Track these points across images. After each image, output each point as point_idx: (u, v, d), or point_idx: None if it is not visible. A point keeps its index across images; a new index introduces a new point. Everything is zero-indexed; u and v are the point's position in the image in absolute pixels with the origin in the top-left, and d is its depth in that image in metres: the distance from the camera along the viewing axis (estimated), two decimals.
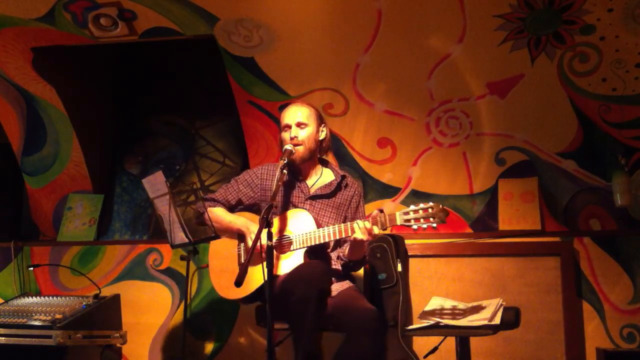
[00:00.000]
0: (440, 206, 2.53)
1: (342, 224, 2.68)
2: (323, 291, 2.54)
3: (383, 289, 3.31)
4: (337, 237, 2.69)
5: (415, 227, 2.53)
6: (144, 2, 3.47)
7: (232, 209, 3.01)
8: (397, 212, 2.57)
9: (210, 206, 2.98)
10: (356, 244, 2.66)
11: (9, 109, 4.24)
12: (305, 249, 2.72)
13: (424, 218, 2.52)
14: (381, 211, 2.59)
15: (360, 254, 2.78)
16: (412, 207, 2.55)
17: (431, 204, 2.53)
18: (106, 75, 4.61)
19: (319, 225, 2.75)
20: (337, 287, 2.78)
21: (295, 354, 2.47)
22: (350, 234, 2.64)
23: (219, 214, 2.96)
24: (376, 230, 2.58)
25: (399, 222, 2.55)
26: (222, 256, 2.96)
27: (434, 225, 2.51)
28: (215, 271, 2.97)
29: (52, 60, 4.04)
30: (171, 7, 3.49)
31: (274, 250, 2.73)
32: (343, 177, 2.97)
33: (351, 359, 2.49)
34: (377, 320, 2.54)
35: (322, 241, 2.70)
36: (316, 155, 2.98)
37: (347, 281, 2.88)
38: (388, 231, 3.60)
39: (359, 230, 2.58)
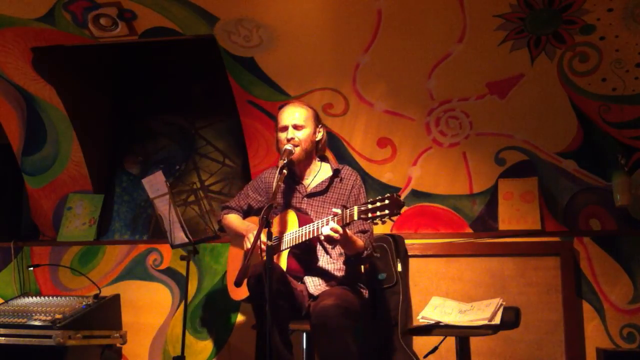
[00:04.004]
0: (395, 196, 2.42)
1: (311, 224, 2.67)
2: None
3: (383, 289, 3.31)
4: (308, 238, 2.67)
5: (375, 221, 2.45)
6: (144, 2, 3.47)
7: (246, 214, 3.13)
8: (356, 206, 2.51)
9: (225, 213, 3.15)
10: (335, 242, 2.61)
11: (9, 109, 4.24)
12: (288, 249, 2.74)
13: (379, 210, 2.43)
14: (345, 207, 2.55)
15: (351, 250, 2.74)
16: (370, 201, 2.48)
17: (387, 195, 2.44)
18: (106, 75, 4.61)
19: (301, 225, 2.74)
20: (322, 288, 2.77)
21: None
22: (318, 234, 2.62)
23: (230, 219, 3.11)
24: (337, 227, 2.53)
25: (356, 217, 2.49)
26: (238, 260, 3.03)
27: (392, 218, 2.43)
28: (231, 275, 3.06)
29: (52, 60, 4.04)
30: (171, 7, 3.49)
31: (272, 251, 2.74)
32: (336, 171, 2.96)
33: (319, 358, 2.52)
34: (335, 316, 2.48)
35: (298, 242, 2.71)
36: (313, 155, 2.98)
37: (342, 287, 2.83)
38: (387, 230, 3.62)
39: (326, 229, 2.55)
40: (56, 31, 3.71)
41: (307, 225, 2.70)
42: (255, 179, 3.19)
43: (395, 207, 2.40)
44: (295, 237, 2.73)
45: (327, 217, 2.62)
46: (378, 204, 2.44)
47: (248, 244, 2.85)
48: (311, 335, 2.77)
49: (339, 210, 2.55)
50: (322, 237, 2.60)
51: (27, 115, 4.25)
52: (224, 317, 3.77)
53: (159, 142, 4.54)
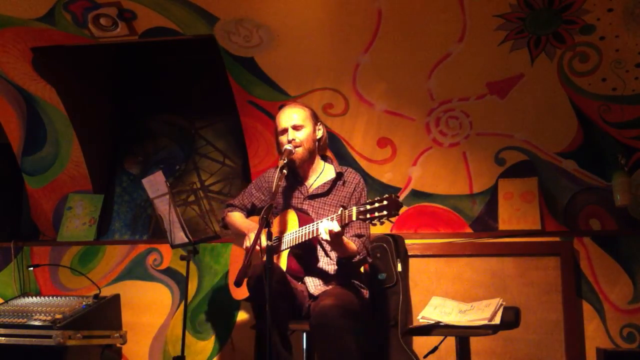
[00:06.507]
0: (393, 197, 2.42)
1: (310, 225, 2.68)
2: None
3: (383, 289, 3.31)
4: (307, 238, 2.68)
5: (374, 222, 2.45)
6: (144, 2, 3.47)
7: (250, 212, 3.14)
8: (354, 207, 2.52)
9: (229, 211, 3.15)
10: (329, 242, 2.62)
11: (9, 109, 4.24)
12: (288, 250, 2.74)
13: (377, 211, 2.43)
14: (345, 208, 2.56)
15: (340, 252, 2.72)
16: (369, 201, 2.48)
17: (386, 196, 2.43)
18: (106, 75, 4.61)
19: (301, 225, 2.74)
20: (322, 288, 2.78)
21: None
22: (316, 235, 2.63)
23: (234, 217, 3.11)
24: (336, 228, 2.53)
25: (354, 218, 2.49)
26: (240, 259, 3.03)
27: (391, 219, 2.43)
28: (233, 274, 3.06)
29: (52, 60, 4.04)
30: (171, 7, 3.49)
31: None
32: (339, 174, 2.96)
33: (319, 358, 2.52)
34: (334, 316, 2.48)
35: (298, 242, 2.71)
36: (315, 155, 2.98)
37: (342, 287, 2.83)
38: (387, 230, 3.61)
39: (323, 230, 2.55)
40: (56, 31, 3.71)
41: (307, 226, 2.70)
42: (259, 177, 3.19)
43: (393, 208, 2.39)
44: (296, 237, 2.74)
45: (326, 217, 2.62)
46: (376, 204, 2.43)
47: (248, 243, 2.86)
48: (311, 336, 2.77)
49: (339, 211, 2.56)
50: (321, 238, 2.60)
51: (27, 115, 4.25)
52: (224, 317, 3.77)
53: (159, 142, 4.54)
